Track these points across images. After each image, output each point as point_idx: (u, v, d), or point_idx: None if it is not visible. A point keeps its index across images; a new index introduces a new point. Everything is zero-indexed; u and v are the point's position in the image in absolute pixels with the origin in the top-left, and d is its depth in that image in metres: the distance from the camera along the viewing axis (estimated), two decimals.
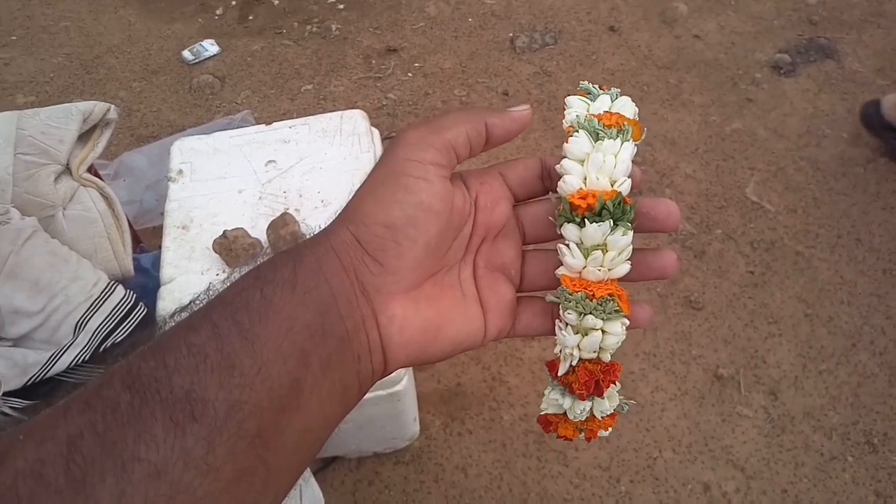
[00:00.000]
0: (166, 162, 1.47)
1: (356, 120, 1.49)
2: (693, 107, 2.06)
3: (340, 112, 1.50)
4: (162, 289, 1.28)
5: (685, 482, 1.39)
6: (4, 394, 1.05)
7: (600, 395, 0.33)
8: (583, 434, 0.35)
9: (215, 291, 0.29)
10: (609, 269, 0.33)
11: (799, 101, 2.06)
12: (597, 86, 0.36)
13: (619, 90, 0.36)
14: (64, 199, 1.29)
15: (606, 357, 0.33)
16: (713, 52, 2.22)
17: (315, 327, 0.28)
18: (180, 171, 1.44)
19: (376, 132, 1.53)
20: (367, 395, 1.08)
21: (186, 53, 2.29)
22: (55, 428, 0.24)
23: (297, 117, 1.54)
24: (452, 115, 0.33)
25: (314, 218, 1.34)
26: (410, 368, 1.22)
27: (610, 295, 0.32)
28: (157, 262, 1.37)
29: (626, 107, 0.35)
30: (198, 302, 0.29)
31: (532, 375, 1.53)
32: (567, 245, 0.33)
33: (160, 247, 1.41)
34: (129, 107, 2.17)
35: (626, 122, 0.34)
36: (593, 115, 0.34)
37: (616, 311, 0.32)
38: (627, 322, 0.33)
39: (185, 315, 0.28)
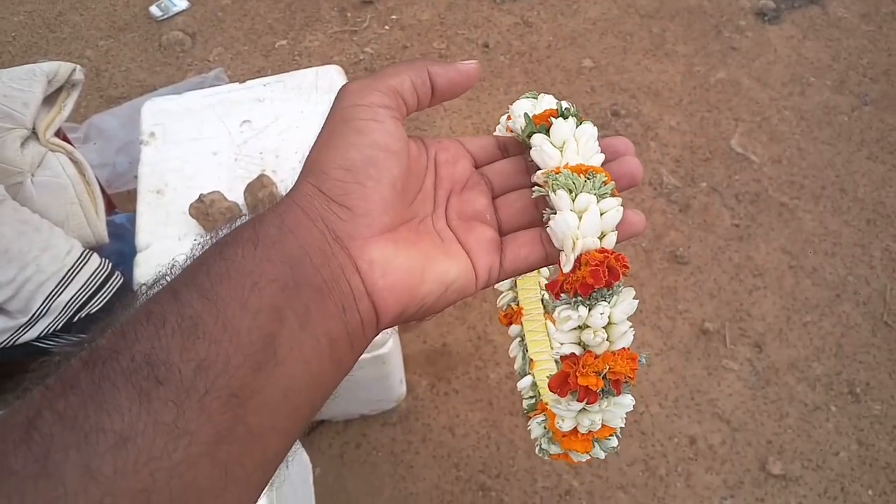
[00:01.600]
0: (138, 123, 1.42)
1: (332, 76, 1.44)
2: (677, 57, 2.03)
3: (316, 68, 1.45)
4: (138, 255, 1.24)
5: (671, 435, 1.40)
6: None
7: (617, 278, 0.29)
8: (608, 394, 0.30)
9: (180, 267, 0.28)
10: (587, 158, 0.32)
11: (783, 49, 2.03)
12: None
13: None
14: (32, 165, 1.24)
15: (610, 242, 0.30)
16: None
17: (285, 280, 0.26)
18: (152, 134, 1.39)
19: None
20: None
21: (154, 9, 2.20)
22: (14, 413, 0.23)
23: (271, 74, 1.49)
24: (395, 66, 0.32)
25: (292, 179, 1.30)
26: (395, 329, 1.20)
27: (595, 172, 0.31)
28: (133, 220, 1.33)
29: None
30: (164, 279, 0.28)
31: None
32: (539, 148, 0.32)
33: (135, 211, 1.37)
34: (96, 66, 2.09)
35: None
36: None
37: (606, 184, 0.31)
38: (621, 199, 0.31)
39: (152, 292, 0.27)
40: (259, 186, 1.24)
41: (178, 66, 2.08)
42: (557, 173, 0.31)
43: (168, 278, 0.27)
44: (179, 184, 1.31)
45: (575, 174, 0.31)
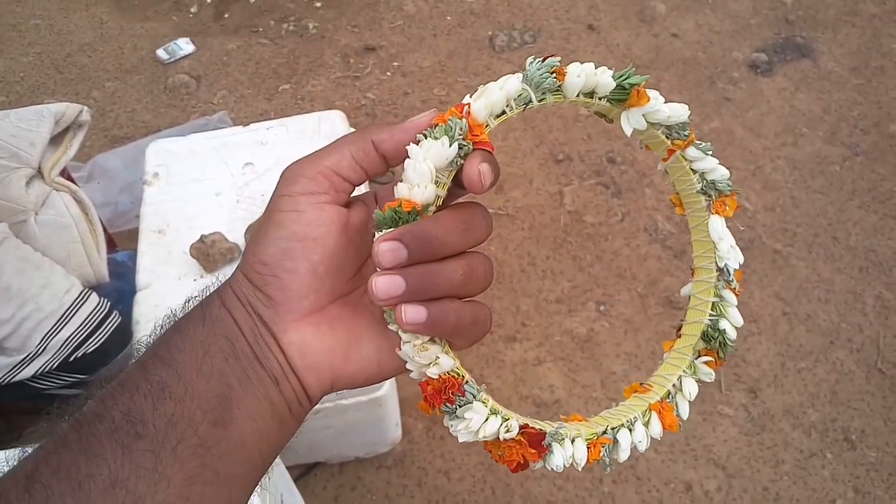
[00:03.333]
0: (141, 164, 1.45)
1: (334, 121, 1.48)
2: None
3: (318, 113, 1.48)
4: (138, 294, 1.26)
5: (667, 481, 1.40)
6: None
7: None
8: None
9: (145, 346, 0.32)
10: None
11: (776, 100, 2.07)
12: None
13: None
14: (36, 204, 1.26)
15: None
16: (691, 50, 2.23)
17: (227, 351, 0.30)
18: (156, 174, 1.41)
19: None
20: (349, 401, 1.07)
21: (161, 52, 2.26)
22: (13, 470, 0.27)
23: (274, 117, 1.52)
24: (338, 140, 0.33)
25: None
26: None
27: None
28: (134, 258, 1.34)
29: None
30: (138, 348, 0.32)
31: (514, 377, 1.53)
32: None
33: (136, 250, 1.38)
34: (102, 107, 2.13)
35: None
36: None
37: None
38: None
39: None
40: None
41: (183, 108, 2.12)
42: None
43: (135, 356, 0.32)
44: (181, 224, 1.33)
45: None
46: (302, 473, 1.37)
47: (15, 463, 0.28)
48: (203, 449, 0.28)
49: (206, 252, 1.25)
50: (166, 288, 1.25)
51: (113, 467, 0.26)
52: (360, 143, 0.32)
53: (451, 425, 0.32)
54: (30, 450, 0.28)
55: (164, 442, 0.28)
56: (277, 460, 1.00)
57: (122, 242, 1.64)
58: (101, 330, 1.13)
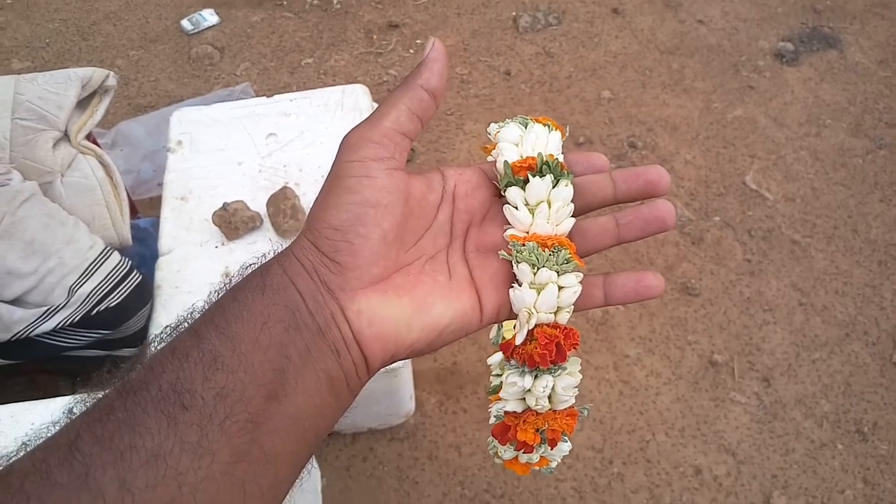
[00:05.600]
0: (164, 132, 1.46)
1: (358, 95, 1.48)
2: (695, 93, 2.06)
3: (342, 86, 1.49)
4: (160, 259, 1.27)
5: (677, 465, 1.40)
6: None
7: (563, 360, 0.32)
8: (544, 444, 0.33)
9: (198, 311, 0.31)
10: (556, 225, 0.33)
11: (800, 90, 2.06)
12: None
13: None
14: (62, 166, 1.27)
15: (564, 318, 0.32)
16: (716, 37, 2.21)
17: (288, 322, 0.30)
18: (179, 142, 1.42)
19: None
20: None
21: (185, 23, 2.26)
22: (56, 438, 0.27)
23: (296, 91, 1.52)
24: (388, 100, 0.33)
25: (314, 193, 1.34)
26: None
27: (561, 245, 0.32)
28: (156, 224, 1.36)
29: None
30: (184, 322, 0.31)
31: None
32: (512, 209, 0.33)
33: (158, 217, 1.40)
34: (126, 76, 2.14)
35: (551, 124, 0.35)
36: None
37: (569, 261, 0.32)
38: (581, 276, 0.33)
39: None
40: (282, 198, 1.27)
41: (206, 78, 2.13)
42: (523, 243, 0.32)
43: (188, 322, 0.31)
44: (203, 192, 1.34)
45: (539, 247, 0.32)
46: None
47: (60, 418, 0.28)
48: (253, 425, 0.28)
49: (228, 220, 1.26)
50: (188, 254, 1.26)
51: (157, 439, 0.26)
52: (412, 93, 0.33)
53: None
54: (76, 410, 0.28)
55: (212, 415, 0.27)
56: None
57: (143, 210, 1.65)
58: (121, 287, 1.14)
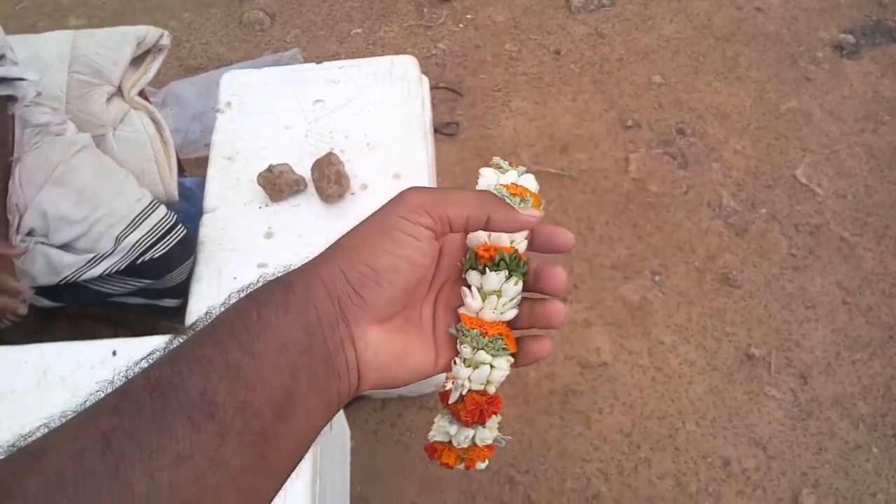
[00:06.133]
0: (214, 94, 1.48)
1: (407, 66, 1.47)
2: (749, 81, 2.01)
3: (391, 57, 1.48)
4: (205, 216, 1.29)
5: (705, 455, 1.39)
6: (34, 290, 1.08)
7: (483, 423, 0.39)
8: (463, 463, 0.41)
9: (215, 314, 0.33)
10: (501, 313, 0.38)
11: (859, 84, 1.99)
12: (507, 162, 0.42)
13: (525, 168, 0.42)
14: (115, 120, 1.30)
15: (492, 389, 0.38)
16: (775, 25, 2.15)
17: (304, 346, 0.32)
18: (229, 104, 1.44)
19: (426, 80, 1.51)
20: None
21: None
22: (88, 427, 0.28)
23: (345, 60, 1.52)
24: (462, 195, 0.36)
25: (359, 161, 1.34)
26: None
27: (500, 334, 0.38)
28: (202, 185, 1.38)
29: (530, 182, 0.41)
30: (201, 323, 0.33)
31: (561, 336, 1.53)
32: (469, 288, 0.38)
33: (203, 177, 1.42)
34: (178, 37, 2.16)
35: (528, 194, 0.40)
36: (502, 185, 0.40)
37: (503, 349, 0.38)
38: (512, 360, 0.38)
39: (191, 332, 0.33)
40: (327, 163, 1.28)
41: (256, 43, 2.14)
42: (469, 327, 0.38)
43: (205, 322, 0.33)
44: (250, 153, 1.36)
45: (482, 334, 0.38)
46: (346, 404, 1.40)
47: (87, 398, 0.31)
48: (263, 439, 0.30)
49: (273, 182, 1.27)
50: (232, 213, 1.28)
51: (182, 443, 0.28)
52: (480, 211, 0.36)
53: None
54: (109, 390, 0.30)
55: (231, 427, 0.29)
56: None
57: (189, 169, 1.68)
58: (166, 239, 1.17)
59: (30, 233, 1.10)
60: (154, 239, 1.16)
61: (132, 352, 0.93)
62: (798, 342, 1.55)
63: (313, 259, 0.35)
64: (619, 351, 1.52)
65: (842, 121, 1.92)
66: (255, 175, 1.29)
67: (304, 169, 1.30)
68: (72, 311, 1.30)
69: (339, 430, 1.06)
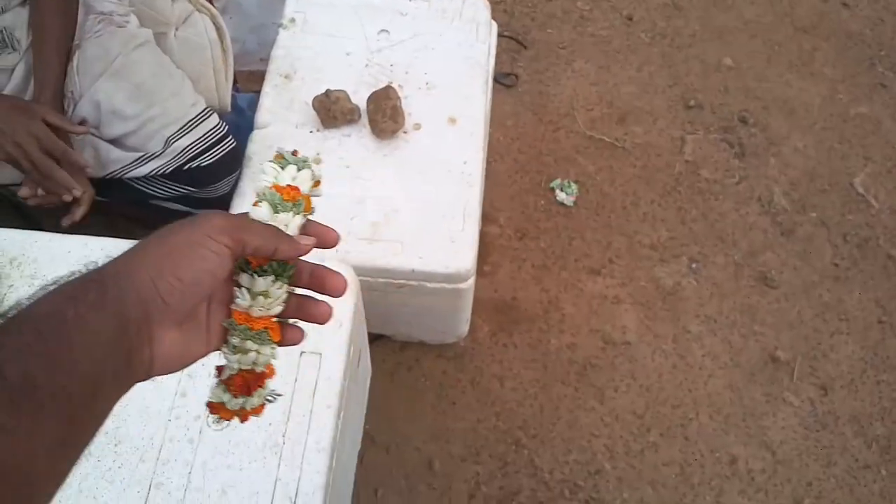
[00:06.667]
0: (277, 8, 1.44)
1: (478, 7, 1.43)
2: (822, 78, 1.93)
3: None
4: (255, 132, 1.28)
5: (714, 449, 1.39)
6: None
7: (249, 395, 0.46)
8: (238, 418, 0.47)
9: (28, 304, 0.37)
10: (268, 310, 0.44)
11: None
12: (292, 152, 0.47)
13: (308, 158, 0.47)
14: (178, 20, 1.27)
15: (259, 369, 0.45)
16: (858, 24, 2.06)
17: (114, 342, 0.37)
18: (292, 20, 1.40)
19: (495, 25, 1.47)
20: (432, 285, 1.10)
21: None
22: None
23: None
24: (259, 228, 0.43)
25: (415, 99, 1.31)
26: (475, 271, 1.20)
27: (265, 328, 0.44)
28: (252, 104, 1.36)
29: (304, 180, 0.46)
30: (16, 308, 0.37)
31: (588, 308, 1.52)
32: (241, 288, 0.44)
33: (255, 91, 1.39)
34: None
35: (300, 197, 0.45)
36: (277, 187, 0.45)
37: (268, 340, 0.44)
38: (276, 347, 0.45)
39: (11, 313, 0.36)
40: (384, 97, 1.25)
41: None
42: (239, 322, 0.44)
43: (20, 310, 0.37)
44: (308, 74, 1.33)
45: (249, 328, 0.44)
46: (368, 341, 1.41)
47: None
48: (72, 418, 0.35)
49: (328, 107, 1.25)
50: (283, 132, 1.26)
51: (2, 417, 0.32)
52: (268, 243, 0.42)
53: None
54: None
55: (47, 406, 0.33)
56: (362, 319, 1.02)
57: (241, 82, 1.65)
58: (216, 149, 1.15)
59: (82, 122, 1.08)
60: (204, 147, 1.14)
61: None
62: (825, 353, 1.52)
63: (124, 259, 0.39)
64: (645, 332, 1.50)
65: None
66: (311, 97, 1.26)
67: (359, 99, 1.27)
68: (108, 209, 1.30)
69: (364, 369, 1.06)
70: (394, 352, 1.42)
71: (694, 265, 1.61)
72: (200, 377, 0.79)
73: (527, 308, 1.50)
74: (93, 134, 1.09)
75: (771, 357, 1.50)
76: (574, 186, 1.68)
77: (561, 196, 1.66)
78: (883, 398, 1.48)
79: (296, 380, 0.78)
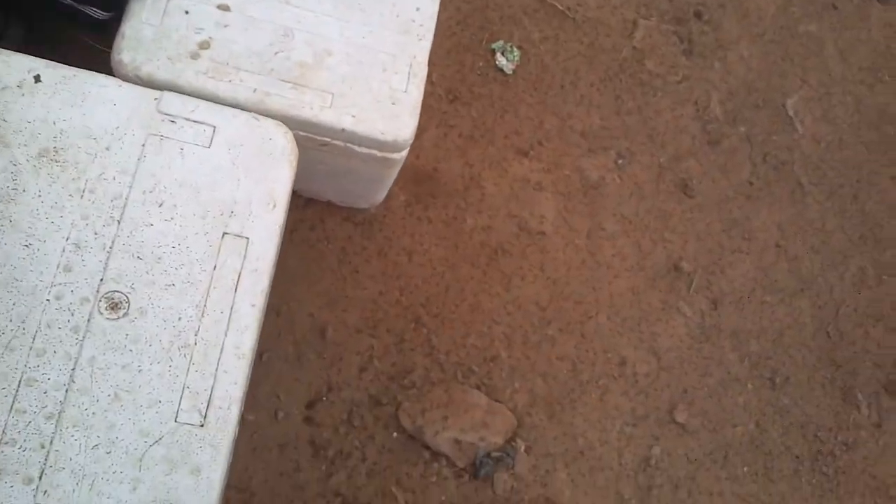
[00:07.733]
0: None
1: None
2: None
3: None
4: None
5: (607, 350, 1.40)
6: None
7: None
8: None
9: None
10: None
11: (878, 32, 1.89)
12: None
13: None
14: None
15: None
16: None
17: None
18: None
19: None
20: (361, 150, 0.94)
21: None
22: None
23: None
24: None
25: None
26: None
27: None
28: None
29: None
30: None
31: (510, 191, 1.43)
32: None
33: None
34: None
35: None
36: None
37: None
38: None
39: None
40: None
41: None
42: None
43: None
44: None
45: None
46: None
47: None
48: None
49: None
50: None
51: None
52: None
53: None
54: None
55: None
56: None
57: None
58: None
59: None
60: None
61: (56, 82, 0.73)
62: (723, 269, 1.55)
63: None
64: (561, 224, 1.45)
65: (847, 64, 1.83)
66: None
67: None
68: (23, 4, 1.03)
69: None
70: (297, 207, 1.28)
71: (620, 161, 1.55)
72: (91, 249, 0.63)
73: (447, 182, 1.39)
74: None
75: (675, 266, 1.51)
76: (516, 53, 1.53)
77: (501, 61, 1.52)
78: (763, 318, 1.55)
79: (215, 267, 0.63)
